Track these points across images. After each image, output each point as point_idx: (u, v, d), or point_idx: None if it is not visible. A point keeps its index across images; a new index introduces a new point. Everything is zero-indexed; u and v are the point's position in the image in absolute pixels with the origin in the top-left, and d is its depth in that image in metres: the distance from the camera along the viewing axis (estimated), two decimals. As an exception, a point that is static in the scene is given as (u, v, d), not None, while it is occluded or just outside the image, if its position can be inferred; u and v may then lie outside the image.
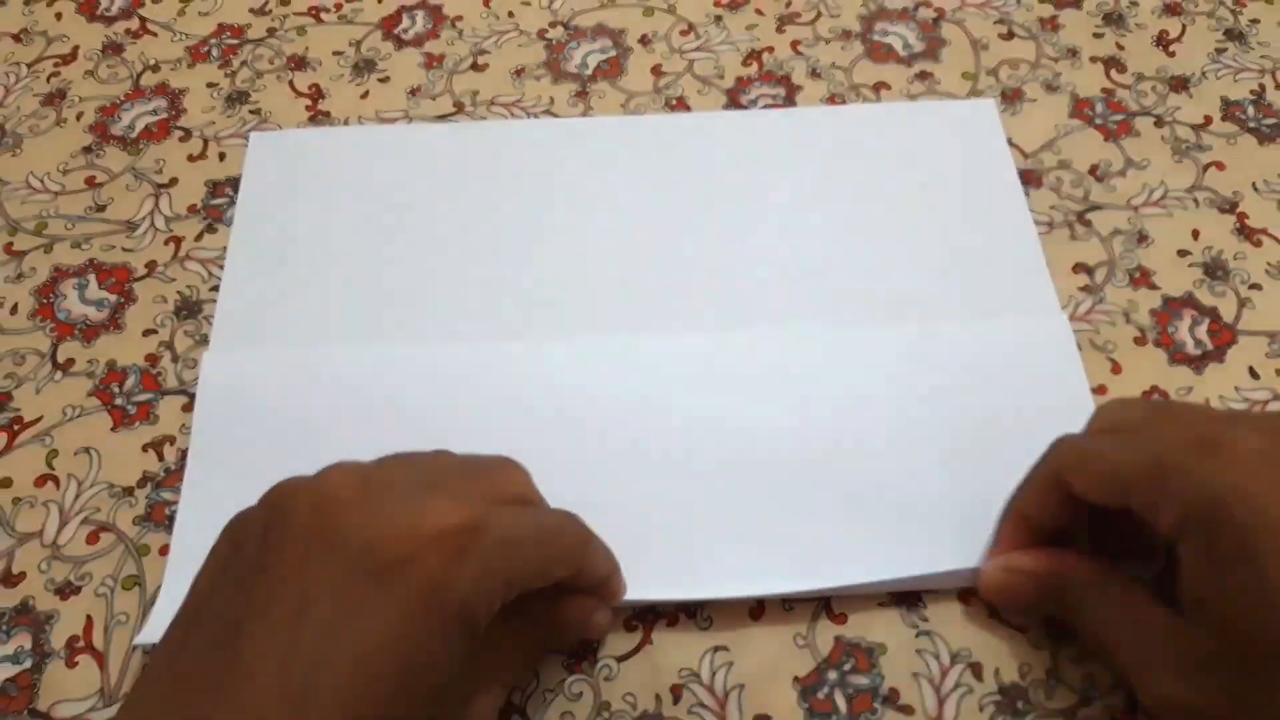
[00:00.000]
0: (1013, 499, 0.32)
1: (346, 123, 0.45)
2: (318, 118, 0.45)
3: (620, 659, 0.32)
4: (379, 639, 0.22)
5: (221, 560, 0.25)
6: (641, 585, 0.32)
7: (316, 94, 0.46)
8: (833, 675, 0.32)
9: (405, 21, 0.49)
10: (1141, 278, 0.41)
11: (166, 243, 0.42)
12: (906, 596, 0.33)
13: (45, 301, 0.40)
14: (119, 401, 0.38)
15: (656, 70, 0.47)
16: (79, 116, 0.46)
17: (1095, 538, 0.31)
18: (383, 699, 0.22)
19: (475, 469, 0.28)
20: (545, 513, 0.29)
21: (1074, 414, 0.36)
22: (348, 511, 0.23)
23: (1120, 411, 0.30)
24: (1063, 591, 0.30)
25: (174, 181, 0.43)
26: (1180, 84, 0.46)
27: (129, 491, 0.36)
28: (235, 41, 0.48)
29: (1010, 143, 0.44)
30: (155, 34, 0.49)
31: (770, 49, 0.48)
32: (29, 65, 0.47)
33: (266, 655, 0.22)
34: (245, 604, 0.23)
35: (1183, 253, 0.41)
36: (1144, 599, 0.28)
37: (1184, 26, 0.49)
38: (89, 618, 0.33)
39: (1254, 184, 0.43)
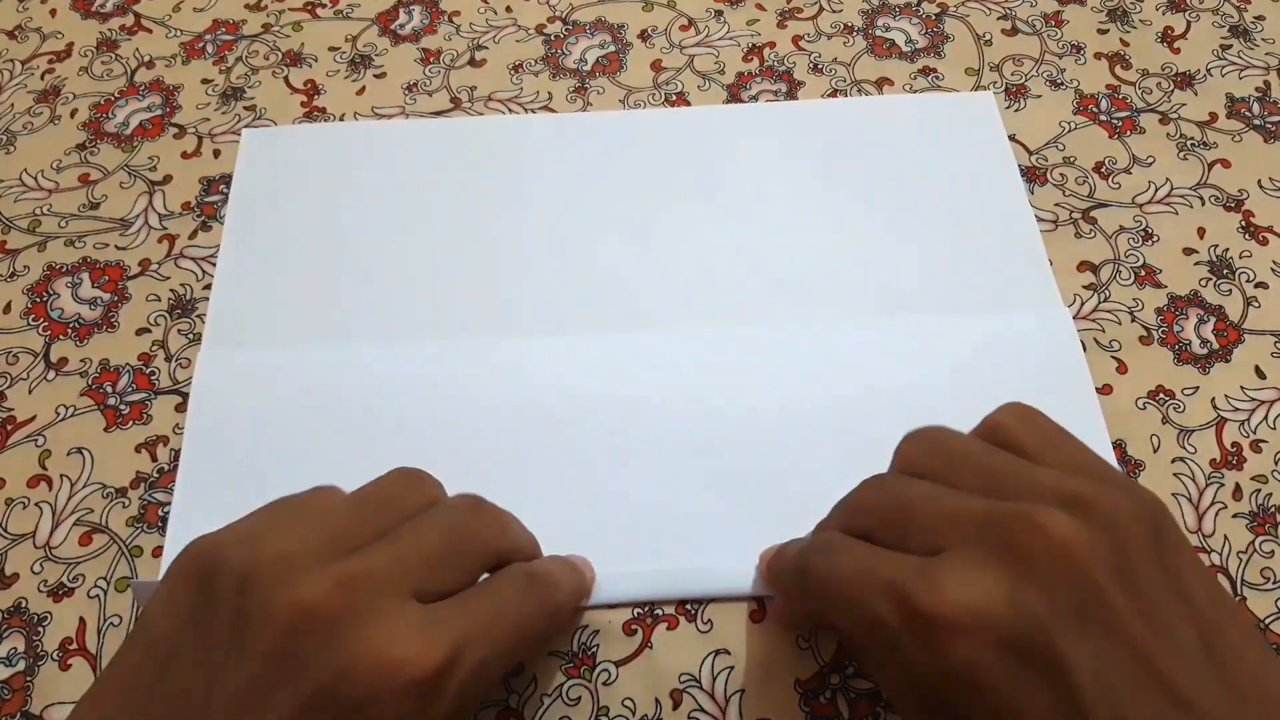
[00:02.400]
0: (774, 575, 0.31)
1: (342, 119, 0.45)
2: (313, 114, 0.45)
3: (619, 663, 0.32)
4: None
5: (187, 610, 0.24)
6: (636, 584, 0.33)
7: (312, 90, 0.46)
8: (835, 679, 0.32)
9: (402, 17, 0.49)
10: (1147, 276, 0.40)
11: (160, 241, 0.41)
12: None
13: (38, 300, 0.40)
14: (112, 401, 0.37)
15: (656, 66, 0.47)
16: (73, 113, 0.45)
17: None
18: None
19: (464, 536, 0.26)
20: (517, 594, 0.27)
21: (1077, 407, 0.36)
22: (322, 637, 0.22)
23: (866, 509, 0.27)
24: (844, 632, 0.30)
25: (168, 179, 0.43)
26: (1185, 81, 0.46)
27: (122, 492, 0.35)
28: (230, 37, 0.48)
29: (1014, 139, 0.44)
30: (150, 30, 0.48)
31: (772, 44, 0.47)
32: (23, 62, 0.47)
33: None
34: (215, 688, 0.22)
35: (1188, 251, 0.41)
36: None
37: (1189, 23, 0.48)
38: (82, 619, 0.33)
39: (1259, 181, 0.43)
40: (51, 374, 0.38)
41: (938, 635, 0.22)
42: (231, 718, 0.22)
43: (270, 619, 0.22)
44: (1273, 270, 0.40)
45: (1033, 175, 0.43)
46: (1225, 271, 0.40)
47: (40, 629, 0.33)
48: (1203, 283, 0.40)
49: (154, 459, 0.36)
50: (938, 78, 0.46)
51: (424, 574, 0.24)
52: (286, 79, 0.46)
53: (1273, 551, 0.34)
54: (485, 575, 0.27)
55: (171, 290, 0.40)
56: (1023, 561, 0.22)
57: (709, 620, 0.33)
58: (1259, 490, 0.35)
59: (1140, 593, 0.22)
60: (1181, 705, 0.21)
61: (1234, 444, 0.36)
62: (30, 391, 0.38)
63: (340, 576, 0.23)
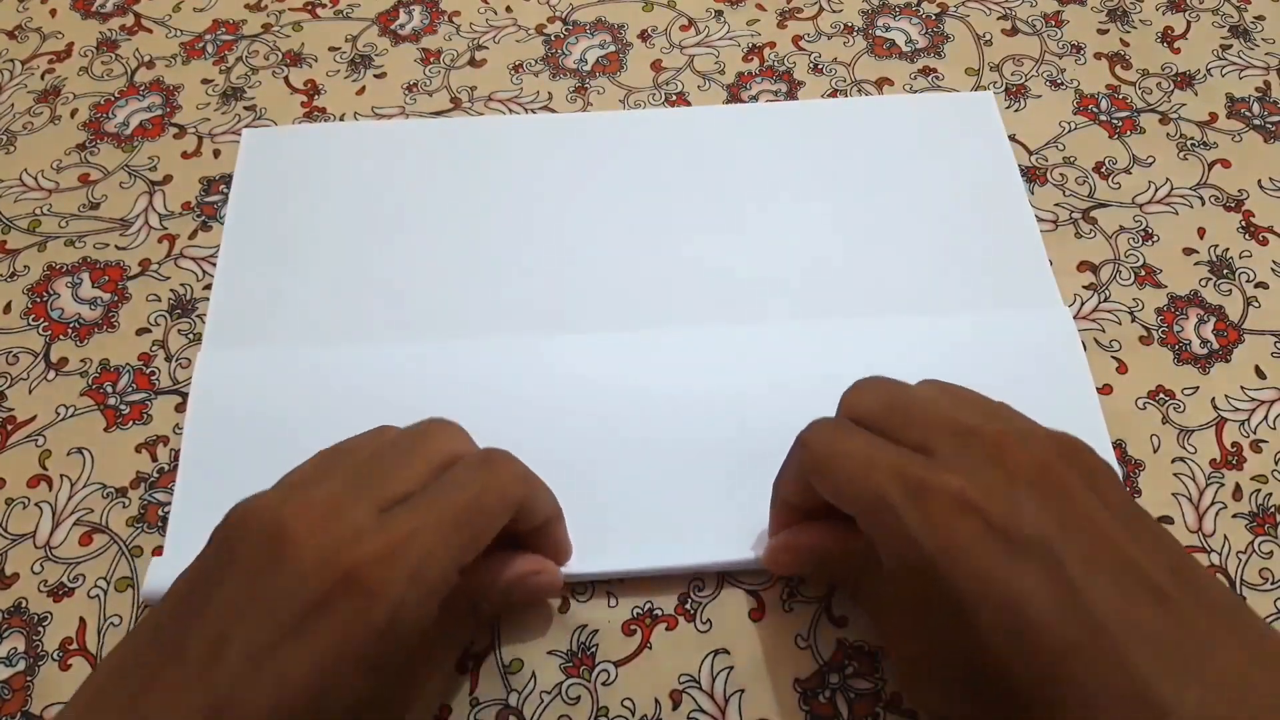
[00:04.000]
0: (775, 483, 0.31)
1: (342, 119, 0.45)
2: (313, 114, 0.45)
3: (618, 663, 0.32)
4: (296, 670, 0.24)
5: (200, 562, 0.26)
6: (613, 557, 0.33)
7: (312, 90, 0.46)
8: (834, 679, 0.32)
9: (402, 17, 0.49)
10: (1147, 276, 0.40)
11: (160, 241, 0.41)
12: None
13: (38, 300, 0.40)
14: (112, 401, 0.37)
15: (656, 66, 0.47)
16: (73, 114, 0.45)
17: None
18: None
19: (409, 447, 0.28)
20: (476, 472, 0.28)
21: (1077, 407, 0.36)
22: (287, 549, 0.25)
23: (865, 399, 0.29)
24: (841, 565, 0.30)
25: (168, 179, 0.43)
26: (1185, 81, 0.46)
27: (122, 492, 0.35)
28: (230, 37, 0.48)
29: (1014, 139, 0.44)
30: (150, 30, 0.48)
31: (772, 44, 0.47)
32: (23, 62, 0.47)
33: (200, 667, 0.24)
34: (197, 613, 0.25)
35: (1188, 251, 0.41)
36: (916, 600, 0.27)
37: (1189, 23, 0.48)
38: (82, 620, 0.33)
39: (1260, 181, 0.43)
40: (51, 374, 0.38)
41: (943, 511, 0.25)
42: (210, 623, 0.24)
43: (248, 532, 0.25)
44: (1273, 270, 0.40)
45: (1033, 175, 0.43)
46: (1225, 271, 0.40)
47: (40, 629, 0.33)
48: (1203, 283, 0.40)
49: (154, 459, 0.36)
50: (938, 78, 0.46)
51: (376, 487, 0.27)
52: (286, 79, 0.46)
53: (1272, 552, 0.34)
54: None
55: (171, 290, 0.40)
56: (1012, 471, 0.25)
57: (708, 620, 0.33)
58: (1259, 490, 0.35)
59: (1110, 505, 0.25)
60: (1160, 599, 0.23)
61: (1234, 444, 0.36)
62: (30, 391, 0.38)
63: (306, 500, 0.26)
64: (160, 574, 0.32)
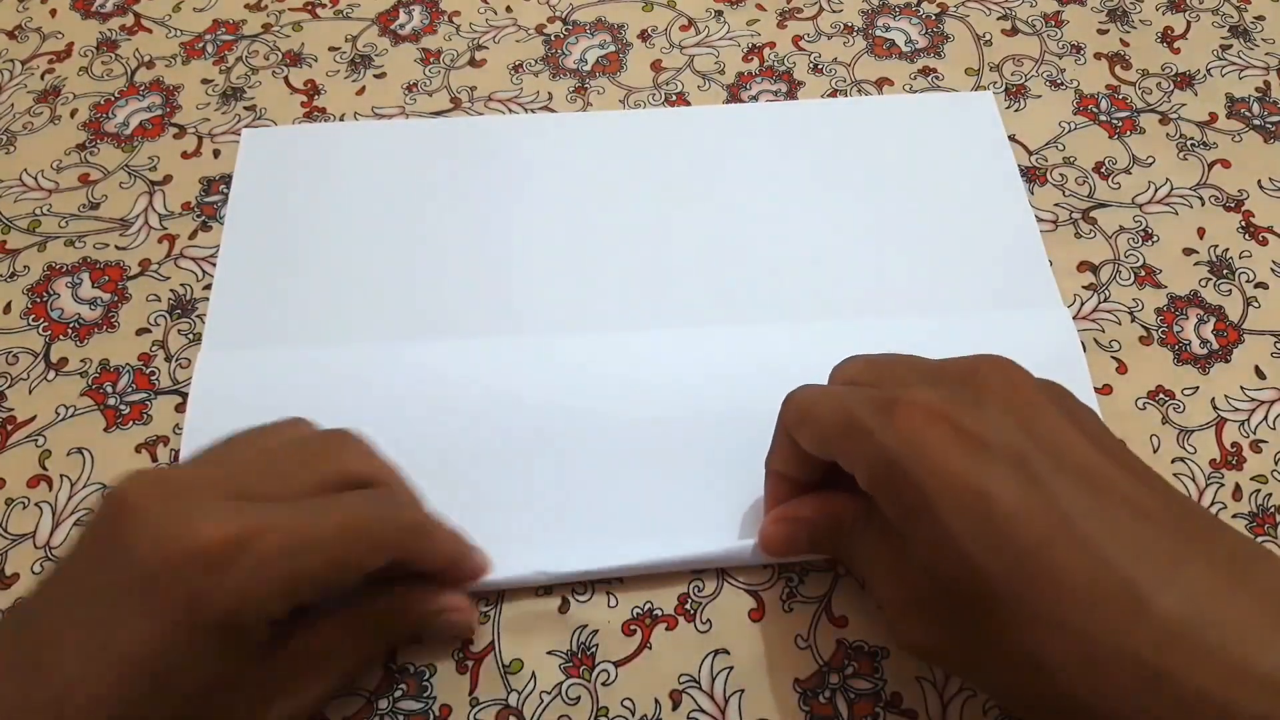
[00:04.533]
0: (766, 459, 0.32)
1: (342, 119, 0.45)
2: (313, 114, 0.45)
3: (618, 663, 0.32)
4: (134, 649, 0.24)
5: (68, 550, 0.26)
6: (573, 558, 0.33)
7: (312, 90, 0.46)
8: (834, 679, 0.32)
9: (402, 17, 0.49)
10: (1147, 276, 0.40)
11: (160, 241, 0.41)
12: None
13: (38, 300, 0.40)
14: (112, 401, 0.37)
15: (656, 66, 0.47)
16: (73, 114, 0.45)
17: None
18: (136, 704, 0.24)
19: (302, 454, 0.28)
20: (358, 504, 0.28)
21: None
22: (128, 520, 0.25)
23: (849, 366, 0.31)
24: (834, 532, 0.30)
25: (168, 179, 0.43)
26: (1185, 81, 0.46)
27: (122, 492, 0.35)
28: (230, 37, 0.48)
29: (1014, 139, 0.44)
30: (150, 30, 0.48)
31: (772, 44, 0.47)
32: (23, 62, 0.47)
33: (41, 647, 0.24)
34: (44, 596, 0.25)
35: (1188, 251, 0.41)
36: (899, 540, 0.28)
37: (1189, 23, 0.48)
38: (81, 620, 0.33)
39: (1259, 182, 0.43)
40: (51, 374, 0.38)
41: (910, 418, 0.25)
42: (54, 603, 0.25)
43: (98, 513, 0.26)
44: (1273, 270, 0.40)
45: (1033, 175, 0.43)
46: (1225, 272, 0.40)
47: (40, 629, 0.33)
48: (1203, 283, 0.40)
49: (154, 459, 0.36)
50: (938, 78, 0.46)
51: (251, 481, 0.27)
52: (286, 79, 0.46)
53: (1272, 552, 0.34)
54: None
55: (171, 290, 0.40)
56: (981, 390, 0.26)
57: (708, 620, 0.33)
58: (1259, 490, 0.35)
59: (1082, 425, 0.25)
60: (1137, 511, 0.23)
61: (1234, 444, 0.36)
62: (30, 391, 0.38)
63: (160, 477, 0.26)
64: None
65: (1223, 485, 0.35)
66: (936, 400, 0.25)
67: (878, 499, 0.26)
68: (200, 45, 0.48)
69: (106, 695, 0.23)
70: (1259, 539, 0.34)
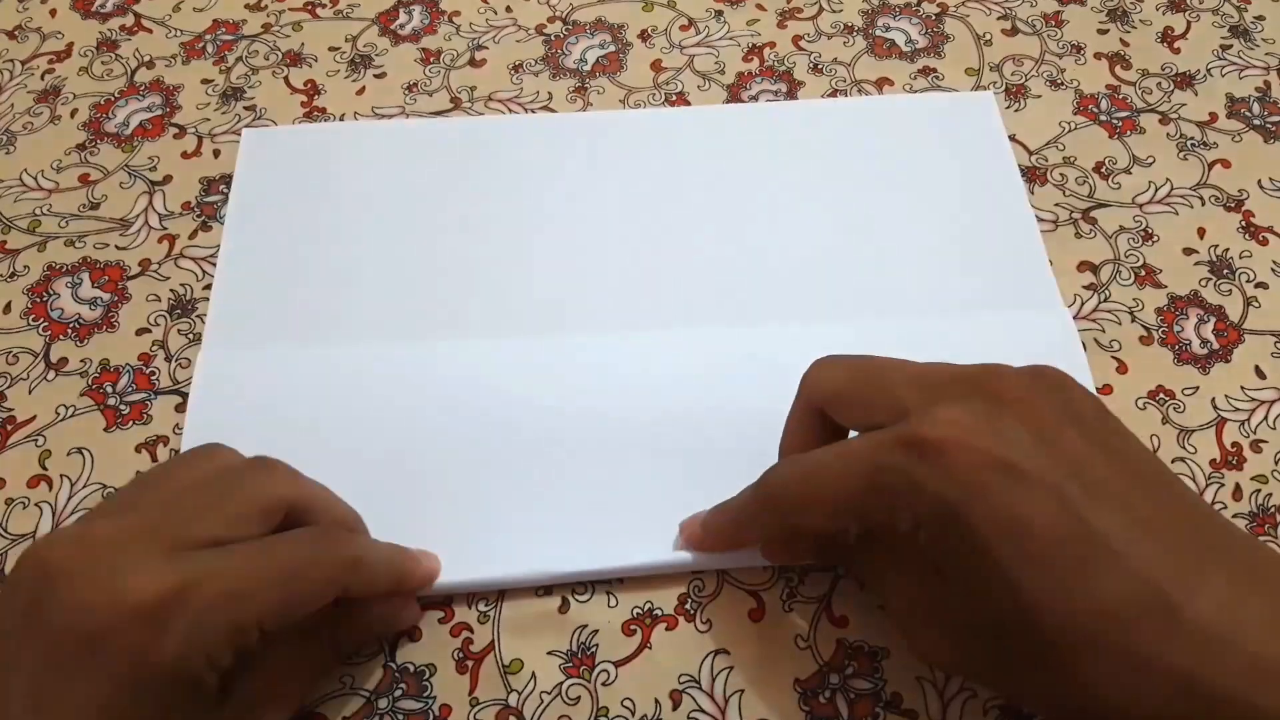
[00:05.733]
0: (726, 519, 0.31)
1: (342, 119, 0.45)
2: (313, 114, 0.45)
3: (618, 663, 0.32)
4: (83, 712, 0.23)
5: None
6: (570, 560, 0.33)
7: (312, 90, 0.46)
8: (834, 679, 0.32)
9: (402, 17, 0.49)
10: (1147, 276, 0.40)
11: (160, 241, 0.41)
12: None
13: (38, 300, 0.40)
14: (112, 401, 0.37)
15: (656, 66, 0.47)
16: (73, 114, 0.45)
17: None
18: None
19: (224, 486, 0.27)
20: (294, 547, 0.27)
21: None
22: (58, 584, 0.23)
23: (827, 377, 0.29)
24: (838, 541, 0.31)
25: (168, 179, 0.43)
26: (1185, 81, 0.46)
27: (122, 492, 0.35)
28: (230, 37, 0.48)
29: (1014, 139, 0.44)
30: (150, 30, 0.48)
31: (772, 44, 0.47)
32: (23, 62, 0.47)
33: None
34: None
35: (1188, 251, 0.41)
36: (913, 552, 0.28)
37: (1189, 23, 0.48)
38: (81, 620, 0.33)
39: (1260, 182, 0.43)
40: (51, 374, 0.38)
41: (945, 453, 0.24)
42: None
43: (19, 582, 0.24)
44: (1273, 270, 0.40)
45: (1033, 175, 0.43)
46: (1225, 271, 0.40)
47: (40, 629, 0.33)
48: (1203, 283, 0.40)
49: (154, 459, 0.36)
50: (938, 78, 0.46)
51: (178, 525, 0.25)
52: (286, 79, 0.46)
53: (1273, 552, 0.34)
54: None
55: (171, 290, 0.40)
56: (993, 403, 0.25)
57: (708, 620, 0.33)
58: (1259, 490, 0.35)
59: (1094, 432, 0.25)
60: (1164, 525, 0.24)
61: (1234, 444, 0.36)
62: (30, 391, 0.38)
63: (80, 535, 0.25)
64: None
65: (1223, 485, 0.35)
66: (971, 427, 0.25)
67: (927, 543, 0.26)
68: (200, 45, 0.48)
69: None
70: (1259, 539, 0.34)
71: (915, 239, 0.41)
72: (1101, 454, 0.25)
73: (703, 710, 0.31)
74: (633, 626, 0.33)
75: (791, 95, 0.46)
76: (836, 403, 0.29)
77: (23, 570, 0.24)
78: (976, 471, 0.24)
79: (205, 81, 0.46)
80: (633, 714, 0.31)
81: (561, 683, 0.32)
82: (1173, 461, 0.36)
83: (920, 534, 0.26)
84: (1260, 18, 0.48)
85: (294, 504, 0.28)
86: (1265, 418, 0.37)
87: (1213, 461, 0.36)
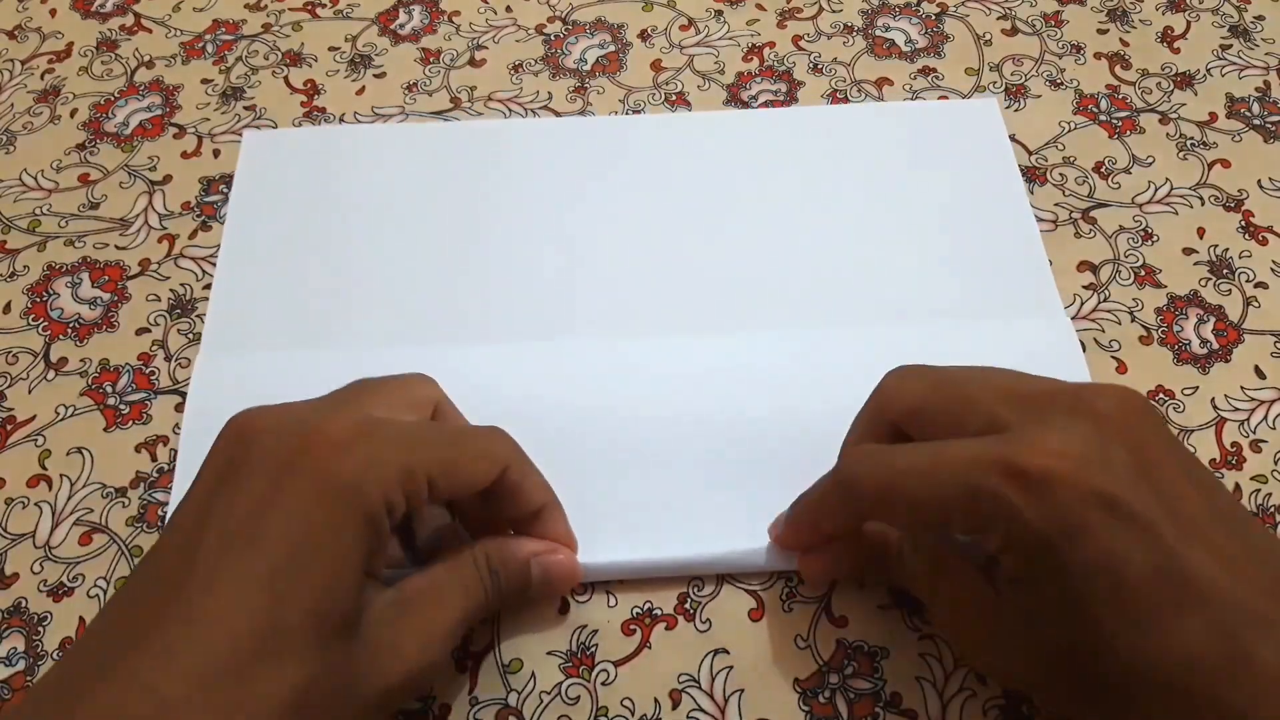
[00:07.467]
0: (805, 512, 0.31)
1: (342, 119, 0.45)
2: (313, 114, 0.45)
3: (618, 663, 0.32)
4: (280, 526, 0.25)
5: (189, 492, 0.27)
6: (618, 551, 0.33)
7: (312, 90, 0.46)
8: (834, 679, 0.32)
9: (402, 17, 0.49)
10: (1146, 276, 0.40)
11: (160, 241, 0.41)
12: (909, 600, 0.33)
13: (38, 300, 0.40)
14: (112, 401, 0.37)
15: (656, 66, 0.47)
16: (73, 113, 0.45)
17: None
18: (285, 577, 0.24)
19: (387, 385, 0.30)
20: (459, 423, 0.31)
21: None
22: (258, 430, 0.27)
23: (908, 388, 0.29)
24: (880, 558, 0.31)
25: (168, 179, 0.43)
26: (1185, 81, 0.46)
27: (122, 492, 0.35)
28: (230, 37, 0.48)
29: (1014, 139, 0.44)
30: (150, 30, 0.48)
31: (771, 44, 0.47)
32: (23, 62, 0.47)
33: (221, 556, 0.24)
34: (202, 523, 0.25)
35: (1188, 251, 0.41)
36: (956, 563, 0.28)
37: (1188, 23, 0.48)
38: (82, 619, 0.33)
39: (1259, 181, 0.43)
40: (51, 374, 0.38)
41: (1049, 487, 0.24)
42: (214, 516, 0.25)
43: (229, 437, 0.27)
44: (1273, 270, 0.40)
45: (1033, 175, 0.43)
46: (1225, 271, 0.40)
47: (40, 629, 0.33)
48: (1202, 283, 0.40)
49: (154, 459, 0.36)
50: (937, 78, 0.46)
51: (354, 399, 0.29)
52: (286, 79, 0.46)
53: (1272, 551, 0.34)
54: None
55: (171, 290, 0.40)
56: (1096, 426, 0.25)
57: (708, 620, 0.33)
58: (1259, 490, 0.35)
59: (1190, 472, 0.25)
60: (1245, 571, 0.24)
61: (1234, 444, 0.36)
62: (30, 391, 0.38)
63: (271, 407, 0.28)
64: None
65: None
66: (1079, 453, 0.24)
67: (1008, 565, 0.26)
68: (200, 45, 0.48)
69: (258, 573, 0.24)
70: None
71: (918, 246, 0.41)
72: (1192, 487, 0.25)
73: (702, 710, 0.31)
74: (632, 626, 0.33)
75: (791, 95, 0.46)
76: (916, 418, 0.28)
77: (231, 427, 0.27)
78: (1078, 510, 0.24)
79: (205, 81, 0.46)
80: (632, 714, 0.31)
81: (561, 682, 0.32)
82: (1172, 461, 0.36)
83: (1005, 557, 0.25)
84: (1260, 18, 0.48)
85: (439, 402, 0.30)
86: (1265, 417, 0.37)
87: (1212, 461, 0.36)
